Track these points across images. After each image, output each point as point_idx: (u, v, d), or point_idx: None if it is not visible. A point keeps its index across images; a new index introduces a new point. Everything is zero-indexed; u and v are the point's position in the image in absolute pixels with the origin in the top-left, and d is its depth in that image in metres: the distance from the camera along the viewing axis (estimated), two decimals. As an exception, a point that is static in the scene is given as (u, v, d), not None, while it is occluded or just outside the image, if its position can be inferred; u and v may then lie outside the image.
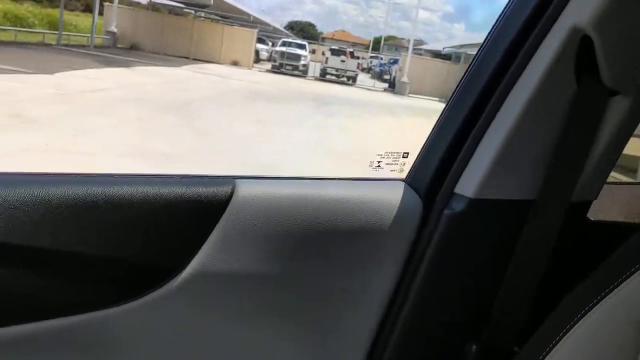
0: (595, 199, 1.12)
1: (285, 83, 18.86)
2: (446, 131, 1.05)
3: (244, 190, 0.99)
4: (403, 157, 1.23)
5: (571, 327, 0.87)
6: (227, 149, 7.23)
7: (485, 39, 1.02)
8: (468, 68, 1.04)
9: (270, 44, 30.06)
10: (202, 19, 29.53)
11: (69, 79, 11.41)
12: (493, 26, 1.01)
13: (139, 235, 0.93)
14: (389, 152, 1.21)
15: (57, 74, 11.73)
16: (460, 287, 1.09)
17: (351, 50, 25.38)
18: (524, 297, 1.06)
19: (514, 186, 1.03)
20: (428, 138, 1.09)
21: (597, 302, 0.85)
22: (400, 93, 21.28)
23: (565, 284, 0.96)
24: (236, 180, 1.00)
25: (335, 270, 1.06)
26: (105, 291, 0.95)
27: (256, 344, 1.07)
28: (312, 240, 1.02)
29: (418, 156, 1.10)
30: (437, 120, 1.08)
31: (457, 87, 1.05)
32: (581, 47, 0.92)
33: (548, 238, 1.03)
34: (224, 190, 0.98)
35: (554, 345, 0.88)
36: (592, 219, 1.16)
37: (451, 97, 1.06)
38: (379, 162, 1.23)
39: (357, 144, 8.63)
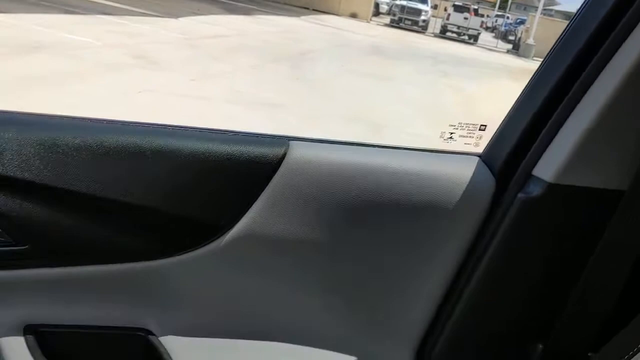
0: None
1: (402, 38, 18.37)
2: (529, 106, 0.94)
3: (298, 152, 0.95)
4: (480, 129, 1.13)
5: None
6: (332, 102, 7.21)
7: (583, 4, 0.89)
8: (561, 35, 0.91)
9: (391, -4, 29.28)
10: (325, -31, 29.28)
11: (193, 24, 11.84)
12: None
13: (190, 190, 0.93)
14: (464, 124, 1.12)
15: (181, 19, 12.22)
16: (529, 278, 1.00)
17: (475, 7, 24.07)
18: (604, 298, 0.95)
19: (600, 174, 0.91)
20: (509, 112, 0.99)
21: None
22: (525, 56, 20.00)
23: None
24: (290, 141, 0.97)
25: (391, 247, 1.01)
26: (157, 243, 0.97)
27: (296, 310, 1.06)
28: (368, 211, 0.97)
29: (496, 131, 1.01)
30: (520, 94, 0.97)
31: (546, 58, 0.93)
32: None
33: (638, 235, 0.91)
34: (277, 150, 0.95)
35: (634, 354, 0.78)
36: None
37: (538, 70, 0.94)
38: (452, 133, 1.13)
39: (468, 108, 8.27)
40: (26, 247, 0.93)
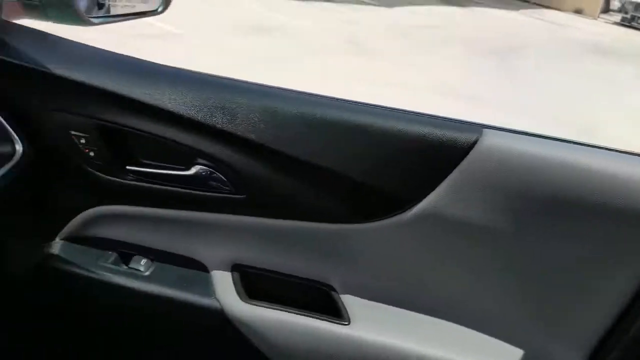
0: None
1: (633, 39, 16.53)
2: None
3: (490, 140, 0.97)
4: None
5: None
6: (537, 103, 6.83)
7: None
8: None
9: (626, -8, 26.34)
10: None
11: (406, 14, 11.99)
12: None
13: (384, 165, 1.02)
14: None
15: (395, 8, 12.45)
16: None
17: None
18: None
19: None
20: None
21: None
22: None
23: None
24: (484, 129, 0.99)
25: (577, 248, 0.98)
26: (351, 209, 1.07)
27: (469, 293, 1.08)
28: (556, 211, 0.96)
29: None
30: None
31: None
32: None
33: None
34: (468, 136, 0.98)
35: None
36: None
37: None
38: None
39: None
40: (244, 196, 1.10)
